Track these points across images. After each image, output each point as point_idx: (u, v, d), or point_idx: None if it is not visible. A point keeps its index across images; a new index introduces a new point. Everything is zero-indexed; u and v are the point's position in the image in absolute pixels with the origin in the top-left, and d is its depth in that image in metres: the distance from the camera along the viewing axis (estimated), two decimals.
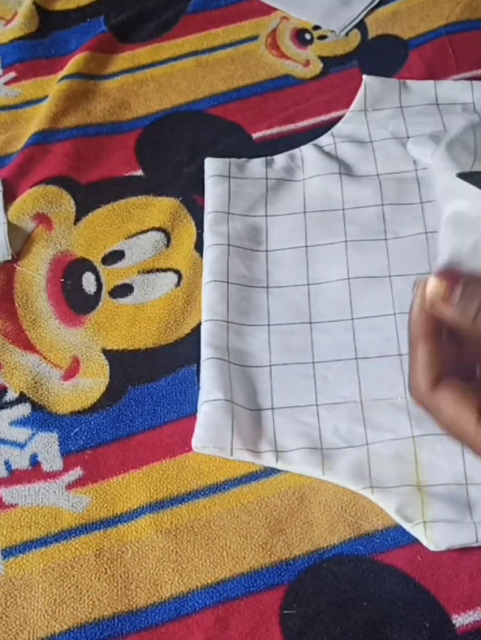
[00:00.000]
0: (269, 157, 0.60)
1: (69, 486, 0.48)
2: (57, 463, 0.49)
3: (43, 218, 0.59)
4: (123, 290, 0.56)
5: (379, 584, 0.44)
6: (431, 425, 0.37)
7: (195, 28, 0.70)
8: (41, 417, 0.50)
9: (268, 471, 0.48)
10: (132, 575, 0.45)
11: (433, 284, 0.35)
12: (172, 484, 0.48)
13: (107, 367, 0.52)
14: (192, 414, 0.49)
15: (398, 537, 0.45)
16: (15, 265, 0.57)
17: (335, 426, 0.48)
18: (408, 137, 0.61)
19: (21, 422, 0.50)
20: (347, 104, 0.63)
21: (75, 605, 0.44)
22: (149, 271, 0.56)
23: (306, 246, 0.56)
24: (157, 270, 0.57)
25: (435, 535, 0.44)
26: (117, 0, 0.72)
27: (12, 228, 0.58)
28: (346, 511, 0.46)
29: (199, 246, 0.57)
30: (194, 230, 0.58)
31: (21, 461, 0.49)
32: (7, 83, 0.68)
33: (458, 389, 0.36)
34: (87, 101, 0.66)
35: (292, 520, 0.46)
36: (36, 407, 0.51)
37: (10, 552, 0.46)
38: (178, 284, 0.56)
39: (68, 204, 0.60)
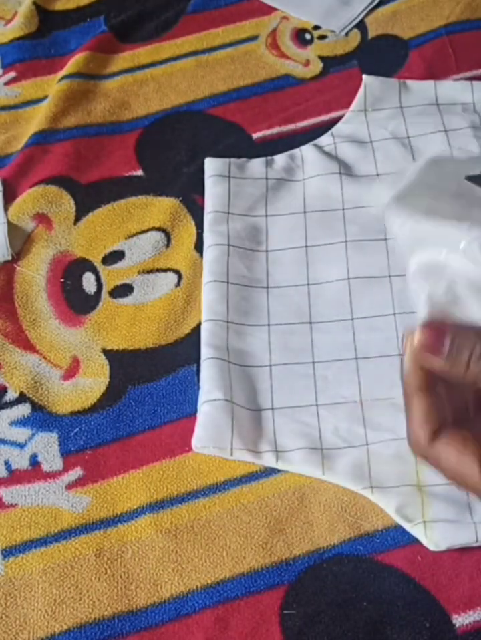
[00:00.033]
0: (269, 157, 0.60)
1: (69, 486, 0.48)
2: (57, 463, 0.49)
3: (43, 218, 0.59)
4: (123, 290, 0.56)
5: (379, 584, 0.44)
6: None
7: (195, 28, 0.70)
8: (41, 417, 0.50)
9: (268, 471, 0.48)
10: (132, 575, 0.45)
11: (420, 339, 0.35)
12: (172, 484, 0.48)
13: (107, 367, 0.52)
14: (192, 414, 0.49)
15: (398, 537, 0.45)
16: (15, 265, 0.57)
17: (335, 426, 0.48)
18: (408, 137, 0.61)
19: (21, 422, 0.50)
20: (347, 104, 0.63)
21: (75, 605, 0.44)
22: (149, 271, 0.56)
23: (306, 246, 0.56)
24: (157, 270, 0.57)
25: (435, 535, 0.44)
26: (117, 0, 0.73)
27: (12, 228, 0.58)
28: (346, 511, 0.46)
29: (199, 246, 0.57)
30: (194, 230, 0.58)
31: (21, 461, 0.49)
32: (7, 83, 0.68)
33: (458, 438, 0.37)
34: (87, 101, 0.66)
35: (292, 520, 0.46)
36: (36, 407, 0.51)
37: (10, 552, 0.46)
38: (178, 284, 0.56)
39: (68, 204, 0.60)
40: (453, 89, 0.63)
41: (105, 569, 0.45)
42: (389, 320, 0.52)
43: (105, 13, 0.72)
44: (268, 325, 0.52)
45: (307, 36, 0.69)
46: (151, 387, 0.51)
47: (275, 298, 0.53)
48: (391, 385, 0.49)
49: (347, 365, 0.51)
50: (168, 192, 0.60)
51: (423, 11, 0.70)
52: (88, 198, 0.60)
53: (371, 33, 0.69)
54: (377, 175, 0.59)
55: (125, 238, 0.58)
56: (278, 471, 0.48)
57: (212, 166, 0.60)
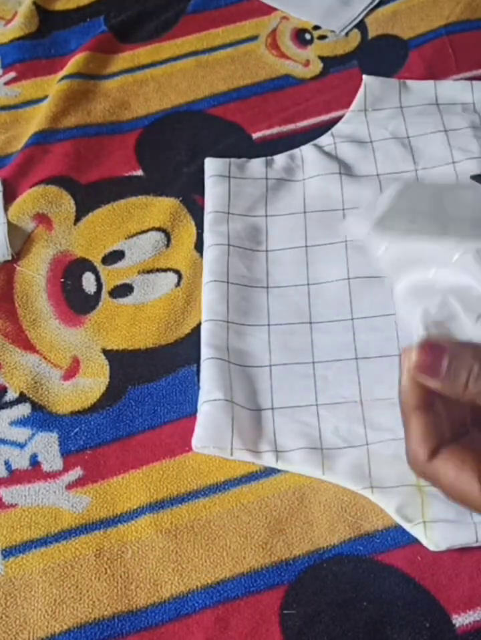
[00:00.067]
0: (269, 157, 0.60)
1: (69, 486, 0.48)
2: (57, 463, 0.49)
3: (43, 218, 0.59)
4: (123, 290, 0.56)
5: (379, 584, 0.44)
6: None
7: (195, 28, 0.70)
8: (41, 417, 0.50)
9: (268, 471, 0.48)
10: (132, 575, 0.45)
11: (418, 360, 0.35)
12: (172, 484, 0.48)
13: (107, 367, 0.52)
14: (192, 414, 0.49)
15: (398, 537, 0.45)
16: (15, 265, 0.57)
17: (335, 426, 0.48)
18: (408, 137, 0.61)
19: (21, 422, 0.50)
20: (347, 104, 0.63)
21: (75, 605, 0.44)
22: (149, 271, 0.56)
23: (306, 246, 0.56)
24: (157, 270, 0.57)
25: (435, 535, 0.44)
26: (117, 0, 0.73)
27: (12, 228, 0.58)
28: (346, 511, 0.46)
29: (199, 246, 0.57)
30: (194, 230, 0.58)
31: (21, 461, 0.49)
32: (7, 83, 0.68)
33: (457, 455, 0.37)
34: (87, 101, 0.66)
35: (292, 520, 0.46)
36: (36, 407, 0.51)
37: (10, 552, 0.46)
38: (178, 284, 0.56)
39: (68, 204, 0.60)
40: (453, 89, 0.63)
41: (105, 569, 0.45)
42: (389, 320, 0.52)
43: (105, 13, 0.72)
44: (268, 325, 0.52)
45: (307, 36, 0.69)
46: (151, 387, 0.51)
47: (275, 298, 0.53)
48: (391, 385, 0.49)
49: (347, 365, 0.51)
50: (168, 192, 0.60)
51: (423, 11, 0.70)
52: (88, 198, 0.60)
53: (371, 33, 0.69)
54: (377, 175, 0.59)
55: (125, 238, 0.58)
56: (278, 471, 0.48)
57: (212, 166, 0.60)
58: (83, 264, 0.57)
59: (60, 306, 0.55)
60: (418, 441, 0.38)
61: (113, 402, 0.51)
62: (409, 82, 0.64)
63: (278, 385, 0.50)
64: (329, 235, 0.56)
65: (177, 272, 0.56)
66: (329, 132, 0.62)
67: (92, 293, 0.56)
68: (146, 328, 0.54)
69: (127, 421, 0.50)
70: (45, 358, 0.53)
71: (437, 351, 0.35)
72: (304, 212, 0.57)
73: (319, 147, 0.61)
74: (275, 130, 0.63)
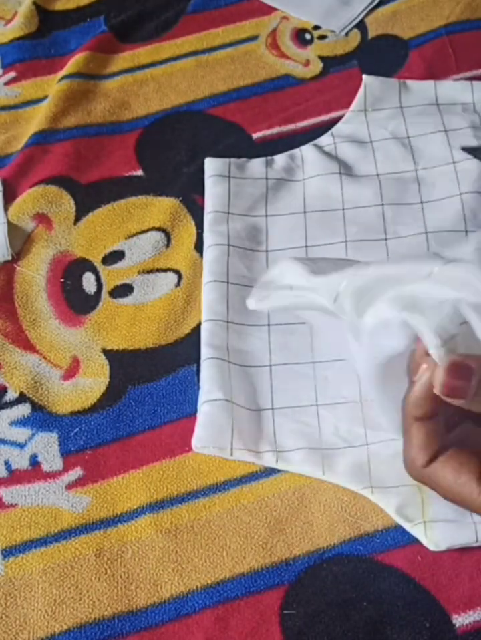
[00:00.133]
0: (269, 158, 0.60)
1: (69, 486, 0.48)
2: (57, 463, 0.49)
3: (43, 218, 0.59)
4: (123, 290, 0.56)
5: (379, 584, 0.44)
6: None
7: (195, 28, 0.70)
8: (41, 417, 0.50)
9: (268, 471, 0.48)
10: (132, 575, 0.45)
11: (447, 382, 0.35)
12: (172, 484, 0.48)
13: (107, 367, 0.52)
14: (192, 414, 0.49)
15: (398, 537, 0.45)
16: (15, 265, 0.57)
17: (335, 426, 0.48)
18: (408, 137, 0.61)
19: (21, 422, 0.50)
20: (347, 104, 0.63)
21: (75, 605, 0.44)
22: (149, 271, 0.56)
23: (306, 246, 0.56)
24: (158, 270, 0.57)
25: (435, 535, 0.44)
26: (117, 0, 0.73)
27: (12, 228, 0.58)
28: (346, 511, 0.46)
29: (199, 246, 0.57)
30: (194, 230, 0.58)
31: (21, 461, 0.49)
32: (7, 83, 0.68)
33: (455, 458, 0.37)
34: (87, 101, 0.66)
35: (292, 520, 0.46)
36: (36, 407, 0.51)
37: (10, 552, 0.46)
38: (178, 284, 0.56)
39: (68, 204, 0.60)
40: (453, 89, 0.63)
41: (105, 569, 0.45)
42: None
43: (105, 13, 0.72)
44: (268, 324, 0.52)
45: (307, 36, 0.69)
46: (151, 387, 0.51)
47: None
48: None
49: (347, 365, 0.50)
50: (168, 192, 0.60)
51: (423, 11, 0.70)
52: (88, 198, 0.60)
53: (371, 33, 0.69)
54: (377, 175, 0.59)
55: (125, 238, 0.58)
56: (278, 471, 0.48)
57: (212, 166, 0.60)
58: (83, 264, 0.57)
59: (60, 306, 0.55)
60: (417, 449, 0.38)
61: (113, 402, 0.51)
62: (409, 82, 0.64)
63: (278, 385, 0.50)
64: (329, 235, 0.56)
65: (177, 272, 0.56)
66: (329, 132, 0.62)
67: (92, 293, 0.56)
68: (146, 328, 0.54)
69: (127, 421, 0.50)
70: (45, 358, 0.53)
71: (465, 372, 0.34)
72: (304, 212, 0.57)
73: (319, 147, 0.61)
74: (275, 130, 0.63)
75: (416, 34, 0.68)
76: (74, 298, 0.56)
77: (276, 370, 0.50)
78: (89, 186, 0.61)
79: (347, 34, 0.69)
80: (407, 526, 0.45)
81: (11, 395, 0.51)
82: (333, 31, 0.69)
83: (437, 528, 0.44)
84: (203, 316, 0.52)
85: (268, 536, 0.46)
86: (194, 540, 0.46)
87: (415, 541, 0.44)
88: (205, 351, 0.51)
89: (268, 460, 0.47)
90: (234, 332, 0.52)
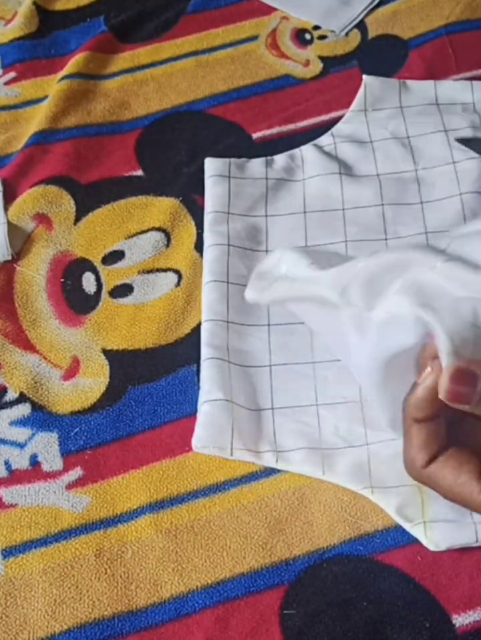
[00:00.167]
0: (269, 158, 0.60)
1: (69, 486, 0.48)
2: (57, 463, 0.49)
3: (43, 218, 0.59)
4: (123, 290, 0.56)
5: (379, 584, 0.44)
6: None
7: (195, 28, 0.70)
8: (41, 417, 0.50)
9: (268, 471, 0.48)
10: (132, 575, 0.45)
11: (452, 389, 0.35)
12: (172, 484, 0.48)
13: (107, 367, 0.52)
14: (192, 414, 0.49)
15: (398, 537, 0.45)
16: (15, 265, 0.57)
17: (335, 426, 0.48)
18: (408, 137, 0.61)
19: (21, 422, 0.50)
20: (347, 104, 0.63)
21: (75, 605, 0.44)
22: (149, 271, 0.56)
23: (306, 246, 0.56)
24: (158, 270, 0.57)
25: (435, 535, 0.44)
26: (117, 0, 0.73)
27: (12, 228, 0.58)
28: (346, 511, 0.46)
29: (199, 246, 0.57)
30: (194, 230, 0.58)
31: (21, 461, 0.49)
32: (7, 83, 0.68)
33: (455, 457, 0.37)
34: (87, 101, 0.66)
35: (292, 520, 0.46)
36: (36, 407, 0.51)
37: (10, 552, 0.46)
38: (178, 284, 0.56)
39: (68, 204, 0.60)
40: (453, 89, 0.63)
41: (105, 569, 0.45)
42: None
43: (105, 13, 0.72)
44: (268, 324, 0.52)
45: (307, 36, 0.69)
46: (151, 387, 0.51)
47: None
48: None
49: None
50: (168, 192, 0.60)
51: (423, 11, 0.70)
52: (88, 198, 0.60)
53: (371, 33, 0.69)
54: (377, 175, 0.59)
55: (125, 238, 0.58)
56: (278, 471, 0.48)
57: (212, 166, 0.60)
58: (83, 264, 0.57)
59: (60, 306, 0.55)
60: (418, 449, 0.38)
61: (113, 402, 0.51)
62: (409, 82, 0.64)
63: (278, 385, 0.50)
64: (329, 235, 0.56)
65: (177, 272, 0.56)
66: (329, 132, 0.62)
67: (92, 293, 0.56)
68: (146, 328, 0.54)
69: (127, 421, 0.50)
70: (45, 358, 0.53)
71: (470, 379, 0.34)
72: (304, 212, 0.57)
73: (319, 147, 0.61)
74: (275, 130, 0.63)
75: (416, 34, 0.68)
76: (74, 298, 0.56)
77: (276, 370, 0.50)
78: (89, 186, 0.61)
79: (347, 34, 0.69)
80: (407, 526, 0.45)
81: (11, 395, 0.51)
82: (333, 31, 0.69)
83: (437, 528, 0.44)
84: (203, 316, 0.52)
85: (268, 536, 0.46)
86: (194, 540, 0.46)
87: (415, 541, 0.44)
88: (205, 351, 0.51)
89: (268, 460, 0.47)
90: (234, 332, 0.52)
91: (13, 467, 0.49)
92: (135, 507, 0.47)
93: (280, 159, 0.60)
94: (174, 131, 0.64)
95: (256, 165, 0.60)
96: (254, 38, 0.69)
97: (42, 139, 0.63)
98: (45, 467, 0.49)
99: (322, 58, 0.68)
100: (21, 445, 0.50)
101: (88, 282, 0.56)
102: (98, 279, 0.56)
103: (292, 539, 0.46)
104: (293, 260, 0.42)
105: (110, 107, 0.66)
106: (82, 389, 0.51)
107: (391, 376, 0.39)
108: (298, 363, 0.51)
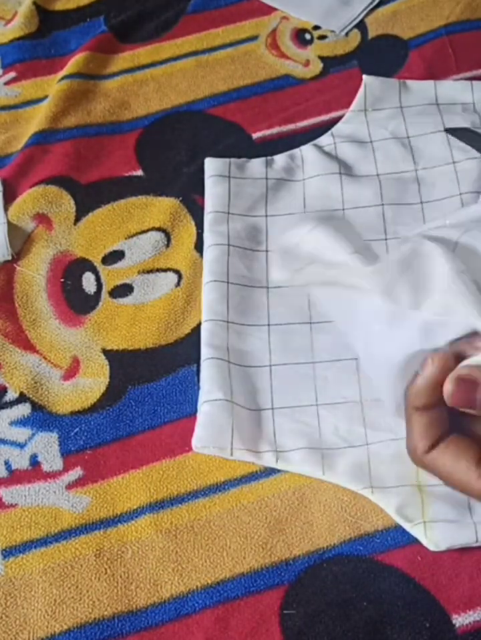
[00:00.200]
0: (269, 158, 0.60)
1: (69, 486, 0.48)
2: (57, 463, 0.49)
3: (43, 218, 0.59)
4: (123, 290, 0.56)
5: (379, 584, 0.44)
6: None
7: (195, 28, 0.70)
8: (41, 417, 0.50)
9: (268, 471, 0.48)
10: (132, 575, 0.45)
11: (454, 394, 0.36)
12: (172, 484, 0.48)
13: (107, 367, 0.52)
14: (192, 414, 0.49)
15: (398, 537, 0.45)
16: (15, 265, 0.57)
17: (335, 426, 0.48)
18: (408, 137, 0.61)
19: (21, 422, 0.50)
20: (347, 104, 0.63)
21: (75, 605, 0.44)
22: (149, 271, 0.56)
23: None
24: (158, 270, 0.57)
25: (435, 535, 0.44)
26: (117, 0, 0.73)
27: (12, 228, 0.58)
28: (346, 511, 0.46)
29: (199, 246, 0.57)
30: (194, 230, 0.58)
31: (21, 461, 0.49)
32: (7, 83, 0.68)
33: (455, 444, 0.38)
34: (87, 101, 0.66)
35: (292, 520, 0.46)
36: (36, 407, 0.51)
37: (10, 552, 0.46)
38: (178, 284, 0.56)
39: (68, 204, 0.60)
40: (453, 89, 0.63)
41: (105, 569, 0.45)
42: None
43: (105, 13, 0.72)
44: (268, 325, 0.52)
45: (307, 36, 0.69)
46: (151, 387, 0.51)
47: (275, 298, 0.53)
48: None
49: (347, 365, 0.50)
50: (168, 192, 0.60)
51: (423, 11, 0.70)
52: (88, 198, 0.60)
53: (371, 33, 0.69)
54: (377, 175, 0.59)
55: (125, 238, 0.58)
56: (278, 471, 0.48)
57: (212, 166, 0.60)
58: (83, 264, 0.57)
59: (60, 306, 0.55)
60: (419, 436, 0.38)
61: (113, 402, 0.51)
62: (409, 82, 0.64)
63: (279, 385, 0.50)
64: None
65: (177, 272, 0.56)
66: (329, 132, 0.62)
67: (92, 293, 0.56)
68: (146, 328, 0.54)
69: (127, 421, 0.50)
70: (45, 358, 0.53)
71: (470, 386, 0.36)
72: (305, 212, 0.57)
73: (319, 147, 0.61)
74: (275, 130, 0.63)
75: (416, 34, 0.68)
76: (74, 298, 0.56)
77: (276, 370, 0.50)
78: (89, 186, 0.61)
79: (347, 34, 0.69)
80: (407, 526, 0.45)
81: (11, 395, 0.51)
82: (333, 31, 0.69)
83: (437, 528, 0.44)
84: (203, 316, 0.52)
85: (268, 536, 0.46)
86: (194, 540, 0.46)
87: (415, 541, 0.44)
88: (205, 351, 0.51)
89: (268, 460, 0.47)
90: (234, 332, 0.52)
91: (13, 467, 0.49)
92: (135, 507, 0.47)
93: (280, 159, 0.60)
94: (174, 131, 0.64)
95: (256, 165, 0.60)
96: (254, 38, 0.69)
97: (42, 139, 0.63)
98: (45, 467, 0.49)
99: (322, 58, 0.68)
100: (21, 445, 0.50)
101: (88, 282, 0.56)
102: (98, 279, 0.56)
103: (292, 539, 0.46)
104: (329, 241, 0.42)
105: (110, 107, 0.66)
106: (82, 389, 0.51)
107: (411, 366, 0.40)
108: (298, 363, 0.51)
